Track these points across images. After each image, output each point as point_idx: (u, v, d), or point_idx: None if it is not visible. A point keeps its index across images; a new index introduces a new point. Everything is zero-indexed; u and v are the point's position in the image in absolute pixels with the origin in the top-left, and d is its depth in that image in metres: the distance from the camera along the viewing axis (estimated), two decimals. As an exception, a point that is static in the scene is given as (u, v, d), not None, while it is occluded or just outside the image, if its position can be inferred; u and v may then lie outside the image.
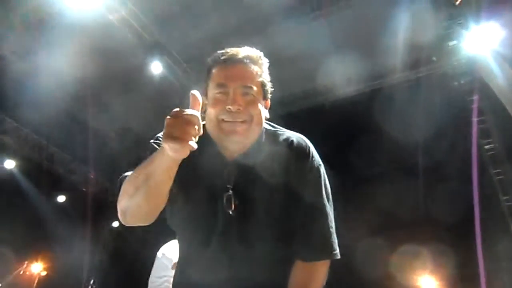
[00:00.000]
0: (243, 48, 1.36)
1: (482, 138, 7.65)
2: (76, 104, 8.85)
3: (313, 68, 7.42)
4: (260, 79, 1.33)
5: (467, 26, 6.49)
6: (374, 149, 8.55)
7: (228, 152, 1.34)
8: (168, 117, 1.07)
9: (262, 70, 1.35)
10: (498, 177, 7.70)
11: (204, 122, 1.30)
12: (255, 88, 1.30)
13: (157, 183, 1.14)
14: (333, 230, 1.37)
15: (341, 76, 8.04)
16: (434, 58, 7.48)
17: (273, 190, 1.31)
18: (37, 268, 12.92)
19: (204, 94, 1.34)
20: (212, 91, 1.31)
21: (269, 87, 1.38)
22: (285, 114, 7.90)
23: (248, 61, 1.32)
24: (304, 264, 1.35)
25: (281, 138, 1.39)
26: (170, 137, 1.03)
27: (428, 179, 8.96)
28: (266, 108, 1.39)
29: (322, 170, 1.39)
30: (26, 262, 8.87)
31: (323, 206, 1.36)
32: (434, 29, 6.92)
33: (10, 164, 9.17)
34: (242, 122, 1.27)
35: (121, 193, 1.23)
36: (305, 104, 8.63)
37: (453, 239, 8.58)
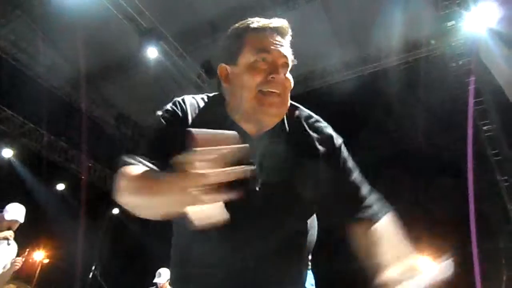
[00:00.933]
0: (274, 18, 1.26)
1: (480, 119, 7.66)
2: (73, 91, 8.80)
3: (309, 51, 7.36)
4: (291, 52, 1.25)
5: (466, 6, 6.42)
6: (373, 133, 8.55)
7: (250, 127, 1.22)
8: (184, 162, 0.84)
9: (290, 44, 1.27)
10: (495, 158, 7.75)
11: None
12: (290, 60, 1.23)
13: (161, 205, 0.97)
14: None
15: (337, 59, 7.99)
16: (433, 41, 7.43)
17: (297, 169, 1.23)
18: (39, 255, 13.06)
19: (229, 62, 1.23)
20: (250, 57, 1.19)
21: (294, 64, 1.29)
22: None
23: (284, 31, 1.24)
24: (374, 225, 1.25)
25: (302, 115, 1.33)
26: (176, 188, 0.86)
27: (426, 162, 8.99)
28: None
29: (343, 145, 1.36)
30: (27, 250, 8.90)
31: (359, 174, 1.33)
32: (432, 10, 6.85)
33: (7, 153, 9.16)
34: (279, 94, 1.17)
35: (120, 188, 1.07)
36: (300, 88, 8.61)
37: (450, 224, 8.67)
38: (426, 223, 9.50)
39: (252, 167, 1.12)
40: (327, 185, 1.26)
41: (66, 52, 7.91)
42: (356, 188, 1.30)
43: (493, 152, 7.76)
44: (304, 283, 1.36)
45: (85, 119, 9.10)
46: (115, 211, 10.54)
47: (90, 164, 10.42)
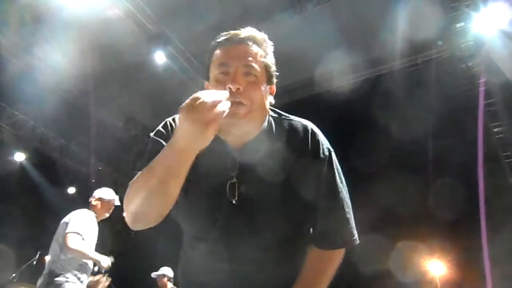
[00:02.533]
0: (246, 28, 1.27)
1: (491, 121, 7.57)
2: (82, 96, 8.89)
3: (316, 54, 7.36)
4: (264, 61, 1.24)
5: (475, 8, 6.37)
6: (381, 135, 8.50)
7: (231, 139, 1.26)
8: (187, 101, 0.95)
9: (266, 53, 1.27)
10: (507, 160, 7.65)
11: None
12: (257, 68, 1.21)
13: (171, 182, 1.05)
14: (350, 216, 1.33)
15: (344, 62, 7.97)
16: (440, 42, 7.37)
17: (280, 179, 1.24)
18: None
19: (206, 77, 1.28)
20: (214, 72, 1.23)
21: (274, 71, 1.28)
22: (286, 103, 7.92)
23: (250, 41, 1.24)
24: (321, 251, 1.34)
25: (288, 125, 1.32)
26: (190, 120, 0.94)
27: (436, 166, 8.92)
28: (271, 94, 1.30)
29: (333, 156, 1.32)
30: (38, 253, 9.00)
31: (339, 193, 1.31)
32: (441, 11, 6.80)
33: (20, 156, 9.29)
34: (242, 104, 1.16)
35: (129, 197, 1.15)
36: (308, 91, 8.60)
37: (460, 225, 8.58)
38: (437, 226, 9.41)
39: (231, 180, 1.23)
40: (304, 199, 1.27)
41: (75, 57, 8.00)
42: (324, 209, 1.30)
43: (505, 154, 7.66)
44: None
45: (94, 123, 9.20)
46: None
47: (100, 167, 10.51)
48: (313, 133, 1.32)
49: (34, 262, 9.18)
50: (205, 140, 0.97)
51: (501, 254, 7.37)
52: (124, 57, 7.93)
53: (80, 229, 3.63)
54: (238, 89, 1.16)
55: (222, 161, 1.26)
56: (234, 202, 1.23)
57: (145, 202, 1.10)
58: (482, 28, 6.36)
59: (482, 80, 7.12)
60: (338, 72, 8.24)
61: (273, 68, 1.29)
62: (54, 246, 3.74)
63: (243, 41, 1.24)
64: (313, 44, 7.21)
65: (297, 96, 8.51)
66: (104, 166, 10.61)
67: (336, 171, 1.32)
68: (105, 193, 4.09)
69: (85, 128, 9.23)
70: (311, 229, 1.36)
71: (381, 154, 8.95)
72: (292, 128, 1.31)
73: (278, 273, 1.31)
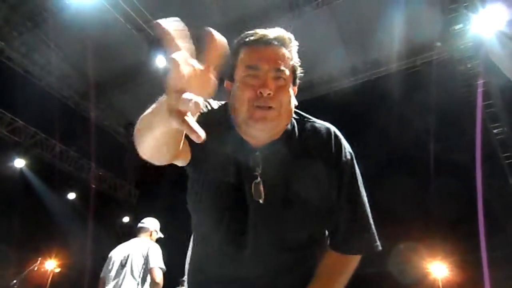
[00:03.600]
0: (273, 29, 1.23)
1: (491, 122, 7.58)
2: (83, 101, 8.91)
3: (315, 58, 7.38)
4: (292, 63, 1.22)
5: (474, 9, 6.39)
6: (381, 137, 8.51)
7: (254, 140, 1.23)
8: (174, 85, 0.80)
9: (292, 54, 1.24)
10: (507, 161, 7.65)
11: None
12: (287, 72, 1.19)
13: (161, 137, 0.99)
14: (371, 221, 1.30)
15: (344, 65, 7.99)
16: (439, 43, 7.39)
17: (303, 181, 1.23)
18: (50, 264, 13.13)
19: (229, 77, 1.24)
20: (241, 73, 1.19)
21: (299, 72, 1.27)
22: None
23: (279, 43, 1.21)
24: (339, 256, 1.31)
25: (311, 126, 1.31)
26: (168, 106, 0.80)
27: (436, 166, 8.91)
28: (294, 94, 1.26)
29: (355, 160, 1.31)
30: (39, 259, 8.96)
31: (361, 197, 1.29)
32: (440, 13, 6.83)
33: (20, 163, 9.28)
34: (272, 108, 1.15)
35: (135, 139, 1.10)
36: (307, 95, 8.61)
37: (461, 226, 8.56)
38: (436, 227, 9.39)
39: (256, 180, 1.20)
40: (326, 202, 1.26)
41: (76, 62, 8.03)
42: (347, 214, 1.28)
43: (504, 155, 7.66)
44: None
45: (94, 129, 9.20)
46: (125, 219, 10.59)
47: (100, 173, 10.51)
48: (336, 136, 1.31)
49: (35, 268, 9.19)
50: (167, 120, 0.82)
51: (501, 256, 7.35)
52: (124, 62, 7.96)
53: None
54: (269, 94, 1.14)
55: (244, 161, 1.24)
56: (260, 201, 1.21)
57: (143, 140, 1.05)
58: (481, 29, 6.38)
59: (481, 81, 7.14)
60: (337, 74, 8.26)
61: (299, 69, 1.27)
62: (125, 274, 3.57)
63: (273, 42, 1.20)
64: (312, 47, 7.23)
65: (297, 98, 8.51)
66: (104, 172, 10.60)
67: (357, 175, 1.30)
68: (156, 224, 4.05)
69: (85, 134, 9.23)
70: (330, 233, 1.33)
71: (379, 157, 8.96)
72: (315, 130, 1.30)
73: (293, 275, 1.29)
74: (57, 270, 13.75)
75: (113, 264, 3.62)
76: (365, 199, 1.31)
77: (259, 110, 1.15)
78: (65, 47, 7.60)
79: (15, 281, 6.97)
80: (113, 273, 3.57)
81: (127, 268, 3.55)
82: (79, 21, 6.57)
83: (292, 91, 1.24)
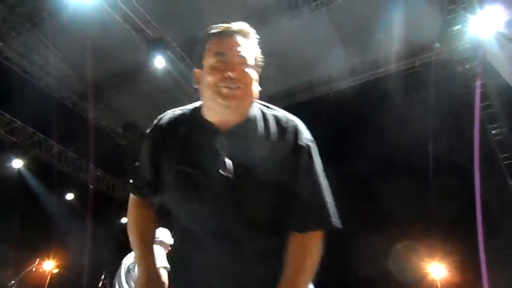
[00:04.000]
0: (236, 22, 1.41)
1: (489, 123, 7.59)
2: (81, 101, 8.89)
3: (314, 58, 7.39)
4: (253, 52, 1.39)
5: (472, 10, 6.40)
6: (380, 138, 8.51)
7: (221, 124, 1.37)
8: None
9: (254, 44, 1.41)
10: (505, 162, 7.66)
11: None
12: (249, 57, 1.36)
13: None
14: (330, 200, 1.37)
15: (342, 66, 7.99)
16: (437, 44, 7.40)
17: (264, 161, 1.34)
18: (48, 265, 13.10)
19: (198, 66, 1.40)
20: (210, 60, 1.36)
21: (260, 61, 1.42)
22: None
23: (242, 34, 1.39)
24: (299, 236, 1.35)
25: (273, 115, 1.43)
26: None
27: (435, 167, 8.91)
28: (257, 81, 1.41)
29: (314, 148, 1.41)
30: (37, 260, 8.94)
31: (317, 176, 1.38)
32: (438, 14, 6.84)
33: (18, 163, 9.26)
34: (239, 88, 1.31)
35: (128, 219, 1.59)
36: (307, 95, 8.62)
37: (460, 227, 8.57)
38: (435, 228, 9.39)
39: (222, 158, 1.34)
40: (283, 181, 1.35)
41: (74, 63, 8.02)
42: (302, 192, 1.35)
43: (503, 155, 7.67)
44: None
45: (93, 129, 9.18)
46: (124, 220, 10.57)
47: (98, 173, 10.49)
48: (295, 124, 1.42)
49: (33, 269, 9.18)
50: None
51: (500, 257, 7.35)
52: (123, 62, 7.94)
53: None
54: (236, 76, 1.31)
55: (212, 144, 1.36)
56: (225, 174, 1.33)
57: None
58: (479, 30, 6.39)
59: (479, 82, 7.15)
60: (336, 75, 8.26)
61: (260, 58, 1.42)
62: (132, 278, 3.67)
63: (236, 32, 1.38)
64: (311, 48, 7.23)
65: (297, 99, 8.53)
66: (102, 172, 10.59)
67: (315, 160, 1.39)
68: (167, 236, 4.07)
69: (83, 134, 9.22)
70: (289, 213, 1.37)
71: (381, 156, 8.97)
72: (276, 118, 1.42)
73: (266, 247, 1.37)
74: (55, 271, 13.72)
75: (121, 269, 3.78)
76: (322, 179, 1.39)
77: (227, 89, 1.30)
78: (64, 47, 7.58)
79: (13, 281, 6.95)
80: (122, 278, 3.72)
81: (134, 273, 3.66)
82: (77, 21, 6.56)
83: (256, 77, 1.39)
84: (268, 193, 1.34)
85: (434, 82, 7.52)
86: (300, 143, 1.37)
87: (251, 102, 1.39)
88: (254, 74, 1.36)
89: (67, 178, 10.13)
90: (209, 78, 1.32)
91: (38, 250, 10.03)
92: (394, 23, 6.76)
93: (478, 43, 6.67)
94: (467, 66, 7.34)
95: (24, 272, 7.70)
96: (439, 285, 12.21)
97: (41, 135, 9.06)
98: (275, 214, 1.36)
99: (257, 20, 6.76)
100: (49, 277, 13.11)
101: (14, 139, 8.62)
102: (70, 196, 10.58)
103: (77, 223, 10.20)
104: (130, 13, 6.80)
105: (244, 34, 1.39)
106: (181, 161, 1.37)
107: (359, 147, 8.57)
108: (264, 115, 1.42)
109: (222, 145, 1.35)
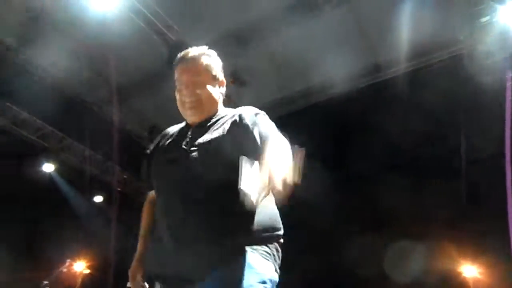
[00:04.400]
0: (192, 48, 1.92)
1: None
2: (106, 106, 9.09)
3: (329, 56, 7.25)
4: (205, 67, 1.87)
5: (501, 0, 6.18)
6: (396, 136, 8.29)
7: (192, 123, 1.90)
8: None
9: (206, 61, 1.89)
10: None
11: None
12: (200, 75, 1.85)
13: None
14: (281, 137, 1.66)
15: (357, 66, 7.85)
16: (464, 37, 7.18)
17: (217, 137, 1.72)
18: (80, 266, 13.45)
19: (174, 87, 1.92)
20: (176, 84, 1.90)
21: (216, 70, 1.92)
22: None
23: (191, 59, 1.88)
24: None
25: (232, 109, 1.92)
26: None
27: (465, 165, 8.64)
28: (221, 85, 1.94)
29: (265, 115, 1.80)
30: (68, 260, 9.20)
31: (272, 133, 1.67)
32: (465, 6, 6.63)
33: (49, 167, 9.56)
34: (192, 101, 1.83)
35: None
36: (320, 96, 8.51)
37: (491, 227, 8.28)
38: (467, 227, 9.10)
39: (186, 141, 1.79)
40: (235, 143, 1.68)
41: (98, 69, 8.19)
42: (252, 134, 1.69)
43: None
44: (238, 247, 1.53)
45: (119, 133, 9.37)
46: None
47: (125, 176, 10.70)
48: (244, 107, 1.89)
49: (65, 270, 9.44)
50: None
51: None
52: (145, 66, 8.07)
53: None
54: (187, 92, 1.85)
55: (183, 135, 1.86)
56: (186, 149, 1.74)
57: None
58: (508, 21, 6.17)
59: (510, 74, 6.89)
60: (346, 77, 8.09)
61: (216, 67, 1.92)
62: None
63: (186, 60, 1.89)
64: (325, 49, 7.11)
65: (307, 103, 8.47)
66: (128, 175, 10.79)
67: (268, 121, 1.76)
68: None
69: (110, 138, 9.42)
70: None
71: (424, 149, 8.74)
72: (232, 109, 1.91)
73: (216, 203, 1.59)
74: (86, 271, 14.07)
75: None
76: (275, 134, 1.67)
77: (185, 104, 1.86)
78: (87, 53, 7.76)
79: (46, 282, 7.17)
80: None
81: None
82: (101, 28, 6.71)
83: (216, 84, 1.91)
84: (221, 157, 1.63)
85: (462, 76, 7.30)
86: (248, 114, 1.79)
87: (210, 106, 1.87)
88: (205, 90, 1.84)
89: (96, 181, 10.38)
90: (177, 97, 1.90)
91: (69, 251, 10.32)
92: (418, 16, 6.60)
93: (507, 34, 6.44)
94: (496, 58, 7.08)
95: (56, 273, 7.95)
96: (471, 286, 11.85)
97: (70, 139, 9.33)
98: (230, 175, 1.49)
99: (273, 22, 6.75)
100: (81, 278, 13.46)
101: (45, 144, 8.91)
102: (99, 199, 10.84)
103: (106, 225, 10.44)
104: (152, 18, 6.92)
105: (193, 58, 1.88)
106: (163, 150, 1.90)
107: (372, 146, 8.41)
108: (226, 112, 1.90)
109: (189, 134, 1.83)
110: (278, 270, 1.62)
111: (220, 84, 1.93)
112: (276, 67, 7.94)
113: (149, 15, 6.82)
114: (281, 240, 1.69)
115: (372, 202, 8.71)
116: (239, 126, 1.74)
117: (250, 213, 1.53)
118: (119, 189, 10.47)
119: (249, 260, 1.48)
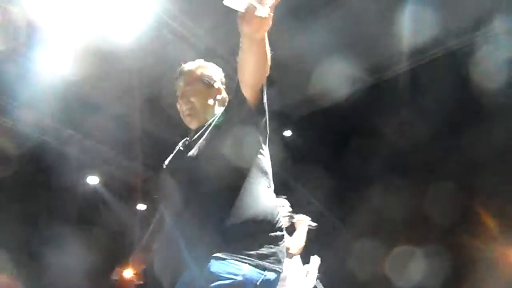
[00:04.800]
0: (188, 63, 2.15)
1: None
2: (140, 117, 9.29)
3: (336, 59, 7.19)
4: (199, 77, 2.08)
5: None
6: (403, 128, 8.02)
7: (193, 127, 2.11)
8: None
9: (200, 72, 2.10)
10: None
11: None
12: (193, 86, 2.07)
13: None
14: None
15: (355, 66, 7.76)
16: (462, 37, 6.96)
17: (208, 136, 1.84)
18: (129, 273, 13.92)
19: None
20: (177, 94, 2.16)
21: (212, 78, 2.10)
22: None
23: (185, 72, 2.12)
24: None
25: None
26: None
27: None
28: (218, 93, 2.12)
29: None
30: (118, 269, 9.50)
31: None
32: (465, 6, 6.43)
33: (93, 180, 9.99)
34: (189, 107, 2.06)
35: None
36: (322, 103, 8.49)
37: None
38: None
39: (185, 143, 2.06)
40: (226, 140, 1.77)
41: (129, 80, 8.33)
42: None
43: None
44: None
45: (155, 142, 9.62)
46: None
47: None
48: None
49: (116, 278, 9.81)
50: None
51: None
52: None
53: None
54: (183, 102, 2.10)
55: (184, 143, 2.08)
56: (186, 152, 1.89)
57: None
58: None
59: None
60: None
61: (212, 77, 2.11)
62: None
63: (182, 73, 2.14)
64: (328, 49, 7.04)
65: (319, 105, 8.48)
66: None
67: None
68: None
69: (147, 148, 9.71)
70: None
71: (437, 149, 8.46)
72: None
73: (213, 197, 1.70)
74: (139, 283, 14.51)
75: None
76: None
77: (185, 112, 2.09)
78: (119, 64, 7.89)
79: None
80: None
81: None
82: (132, 47, 6.98)
83: (212, 92, 2.10)
84: (213, 155, 1.74)
85: (463, 77, 7.00)
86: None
87: (205, 113, 2.05)
88: (198, 97, 2.04)
89: (138, 191, 10.72)
90: (178, 107, 2.14)
91: (118, 259, 10.70)
92: (434, 9, 6.45)
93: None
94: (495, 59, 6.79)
95: (110, 281, 8.28)
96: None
97: (112, 152, 9.70)
98: (227, 171, 1.70)
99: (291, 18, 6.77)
100: (133, 285, 13.90)
101: (88, 157, 9.33)
102: (142, 207, 11.18)
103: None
104: (180, 29, 7.15)
105: (188, 71, 2.12)
106: (167, 161, 2.14)
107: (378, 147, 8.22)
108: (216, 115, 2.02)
109: (188, 141, 2.03)
110: (273, 268, 1.58)
111: (217, 92, 2.12)
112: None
113: (176, 26, 7.07)
114: (278, 238, 1.64)
115: (372, 205, 8.50)
116: (219, 117, 1.92)
117: (243, 214, 1.62)
118: (155, 196, 10.73)
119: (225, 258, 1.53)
